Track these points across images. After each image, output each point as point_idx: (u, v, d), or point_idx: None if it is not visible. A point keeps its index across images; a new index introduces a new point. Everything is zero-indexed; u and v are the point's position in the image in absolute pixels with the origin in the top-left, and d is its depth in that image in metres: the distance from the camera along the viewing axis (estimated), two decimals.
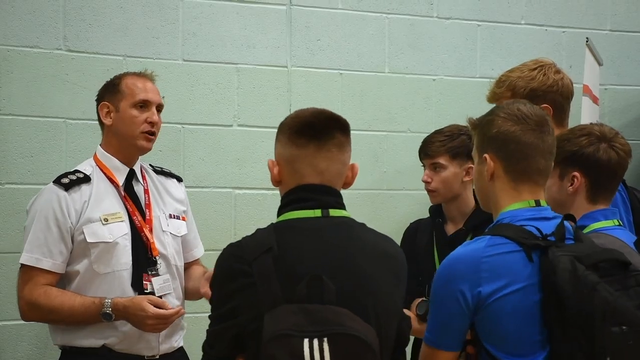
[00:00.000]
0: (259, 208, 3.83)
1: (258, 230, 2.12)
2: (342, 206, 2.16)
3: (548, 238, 2.11)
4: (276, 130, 2.22)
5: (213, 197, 3.88)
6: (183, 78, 3.87)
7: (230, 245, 2.13)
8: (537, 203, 2.20)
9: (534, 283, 2.08)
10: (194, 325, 3.61)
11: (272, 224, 2.13)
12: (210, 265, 2.32)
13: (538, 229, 2.12)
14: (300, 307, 1.96)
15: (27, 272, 2.92)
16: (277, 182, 2.19)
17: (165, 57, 3.84)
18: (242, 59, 3.96)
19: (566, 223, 2.18)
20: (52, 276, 2.91)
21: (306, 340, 1.91)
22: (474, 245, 2.15)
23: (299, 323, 1.93)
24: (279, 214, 2.16)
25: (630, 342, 1.96)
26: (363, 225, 2.18)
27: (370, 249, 2.12)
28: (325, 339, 1.91)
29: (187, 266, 3.18)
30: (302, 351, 1.90)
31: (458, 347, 2.16)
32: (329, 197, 2.14)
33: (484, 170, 2.23)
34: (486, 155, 2.21)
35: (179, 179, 3.25)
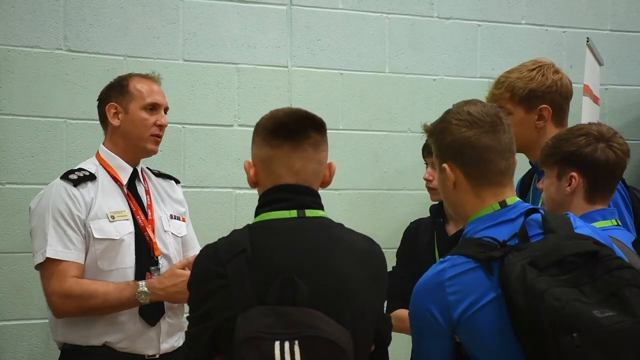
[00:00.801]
0: None
1: (234, 231, 2.10)
2: (319, 206, 2.14)
3: (508, 243, 2.05)
4: None
5: (213, 197, 3.88)
6: (183, 78, 3.87)
7: (207, 247, 2.11)
8: (503, 204, 2.14)
9: (499, 296, 2.02)
10: None
11: (247, 225, 2.11)
12: None
13: (494, 238, 2.06)
14: (272, 309, 1.94)
15: (53, 266, 2.88)
16: (253, 183, 2.17)
17: (166, 57, 3.85)
18: (243, 59, 3.97)
19: (535, 216, 2.11)
20: (78, 267, 2.89)
21: (277, 343, 1.90)
22: (438, 267, 2.10)
23: (271, 325, 1.92)
24: (256, 214, 2.14)
25: (578, 348, 1.88)
26: (340, 225, 2.16)
27: (348, 249, 2.10)
28: (297, 342, 1.90)
29: None
30: (273, 354, 1.89)
31: None
32: (305, 197, 2.12)
33: (445, 179, 2.17)
34: (445, 165, 2.16)
35: (177, 181, 3.26)
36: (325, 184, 2.19)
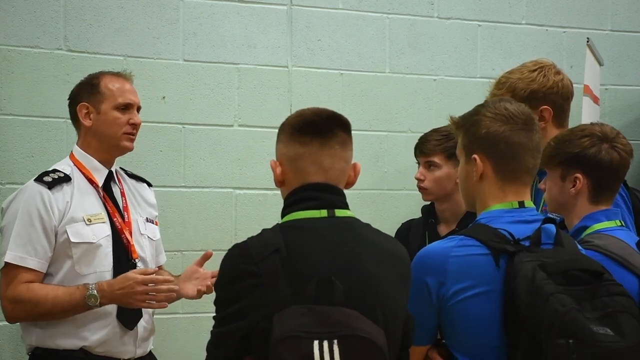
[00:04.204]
0: (260, 208, 3.82)
1: (264, 230, 2.10)
2: (346, 206, 2.15)
3: (521, 242, 2.09)
4: (277, 130, 2.22)
5: (214, 197, 3.88)
6: (184, 78, 3.87)
7: (236, 246, 2.11)
8: (521, 204, 2.18)
9: (498, 288, 2.07)
10: (193, 326, 3.63)
11: (277, 224, 2.12)
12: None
13: (510, 233, 2.10)
14: (309, 308, 1.94)
15: (11, 271, 2.86)
16: (280, 182, 2.18)
17: (166, 57, 3.84)
18: (243, 59, 3.96)
19: (549, 226, 2.15)
20: (36, 275, 2.86)
21: (316, 342, 1.90)
22: (444, 243, 2.16)
23: (308, 324, 1.92)
24: (284, 214, 2.15)
25: (574, 355, 1.94)
26: (368, 225, 2.17)
27: (376, 250, 2.11)
28: (336, 341, 1.90)
29: None
30: (312, 353, 1.89)
31: (429, 342, 2.19)
32: (334, 196, 2.13)
33: (471, 170, 2.21)
34: (475, 156, 2.20)
35: (149, 184, 3.23)
36: (349, 184, 2.20)
